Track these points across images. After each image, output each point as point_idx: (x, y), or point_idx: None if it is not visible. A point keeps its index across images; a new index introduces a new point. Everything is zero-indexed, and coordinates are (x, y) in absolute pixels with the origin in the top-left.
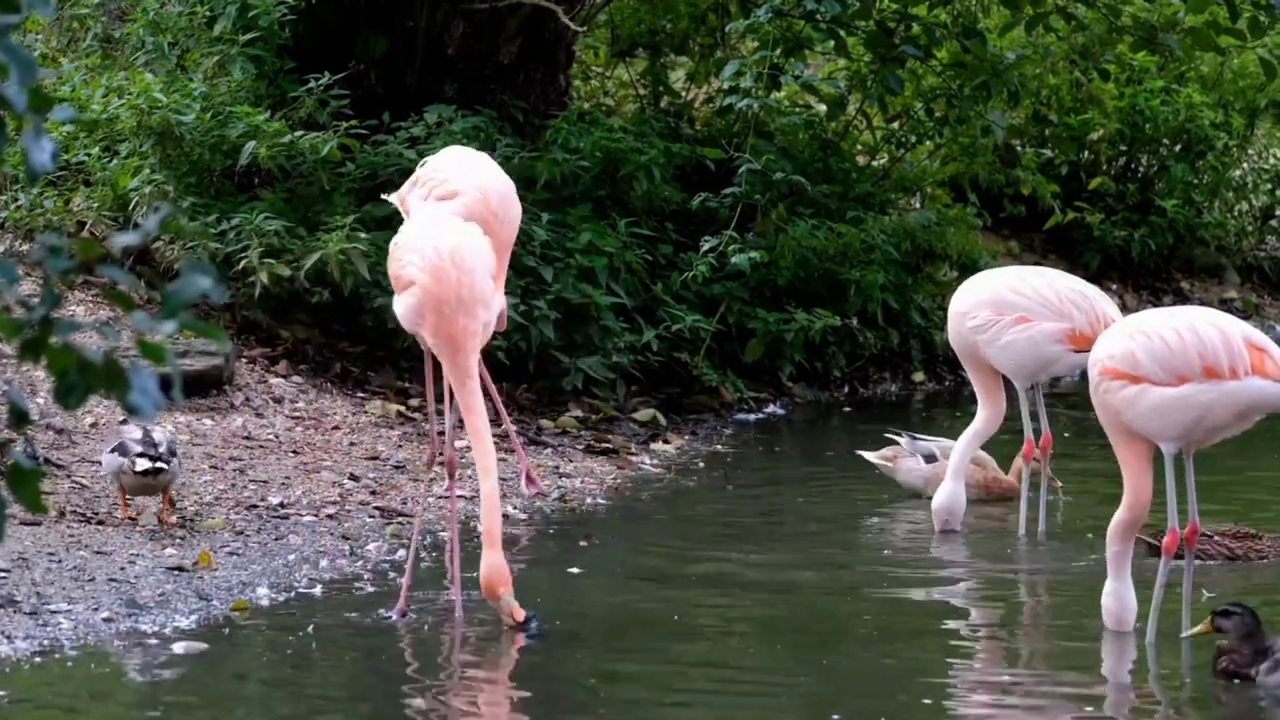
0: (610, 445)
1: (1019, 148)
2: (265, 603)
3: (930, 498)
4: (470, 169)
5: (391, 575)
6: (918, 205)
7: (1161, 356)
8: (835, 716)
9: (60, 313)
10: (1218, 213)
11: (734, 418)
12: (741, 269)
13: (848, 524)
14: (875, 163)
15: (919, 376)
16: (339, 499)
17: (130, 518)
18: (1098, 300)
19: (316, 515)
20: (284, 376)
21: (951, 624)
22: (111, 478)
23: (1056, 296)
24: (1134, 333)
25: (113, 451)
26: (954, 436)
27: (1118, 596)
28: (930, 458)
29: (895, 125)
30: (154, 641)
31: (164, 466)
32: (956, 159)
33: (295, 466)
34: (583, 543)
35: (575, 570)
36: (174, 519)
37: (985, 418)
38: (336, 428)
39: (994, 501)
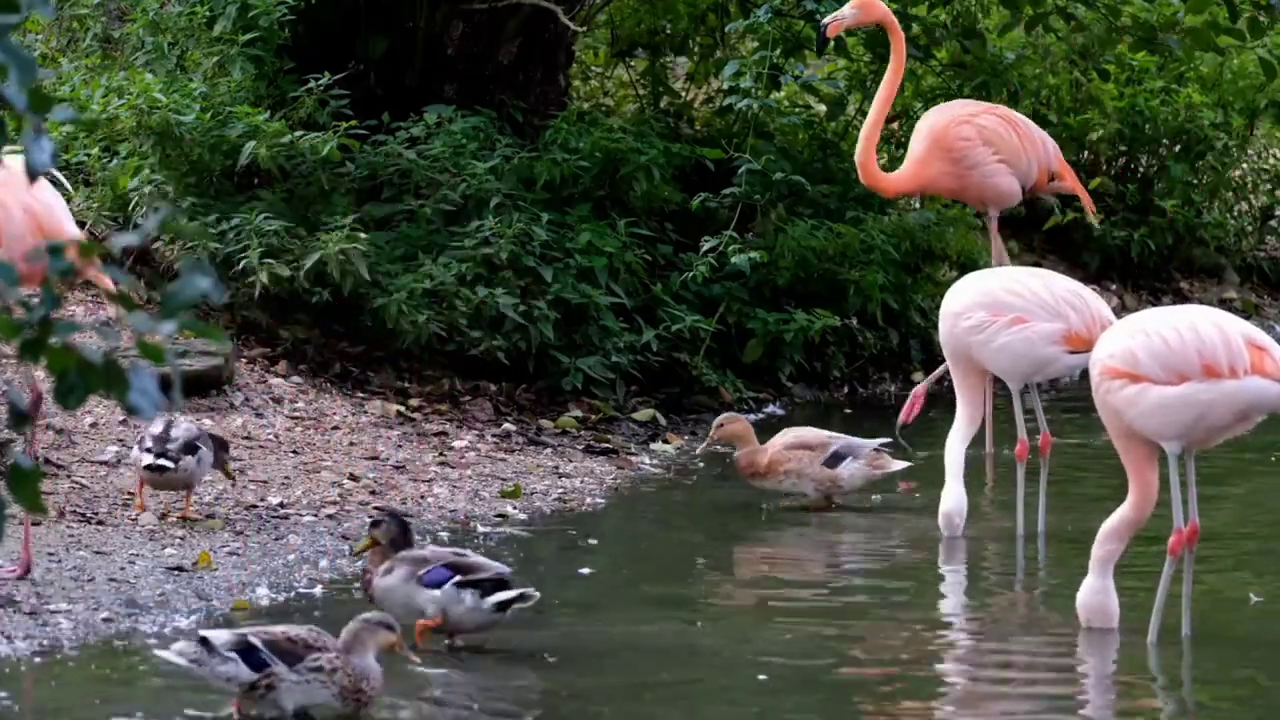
0: (610, 445)
1: None
2: (265, 603)
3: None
4: None
5: None
6: (917, 205)
7: (1161, 355)
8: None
9: (60, 313)
10: (1217, 213)
11: None
12: (741, 269)
13: (847, 524)
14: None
15: (918, 376)
16: (339, 499)
17: (142, 508)
18: (1093, 300)
19: (316, 515)
20: (284, 376)
21: (951, 624)
22: (135, 469)
23: (1052, 297)
24: (1134, 331)
25: (138, 442)
26: (950, 436)
27: (1105, 593)
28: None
29: (895, 125)
30: (154, 641)
31: (169, 465)
32: None
33: (295, 466)
34: (588, 541)
35: (574, 571)
36: (194, 513)
37: (967, 416)
38: (336, 428)
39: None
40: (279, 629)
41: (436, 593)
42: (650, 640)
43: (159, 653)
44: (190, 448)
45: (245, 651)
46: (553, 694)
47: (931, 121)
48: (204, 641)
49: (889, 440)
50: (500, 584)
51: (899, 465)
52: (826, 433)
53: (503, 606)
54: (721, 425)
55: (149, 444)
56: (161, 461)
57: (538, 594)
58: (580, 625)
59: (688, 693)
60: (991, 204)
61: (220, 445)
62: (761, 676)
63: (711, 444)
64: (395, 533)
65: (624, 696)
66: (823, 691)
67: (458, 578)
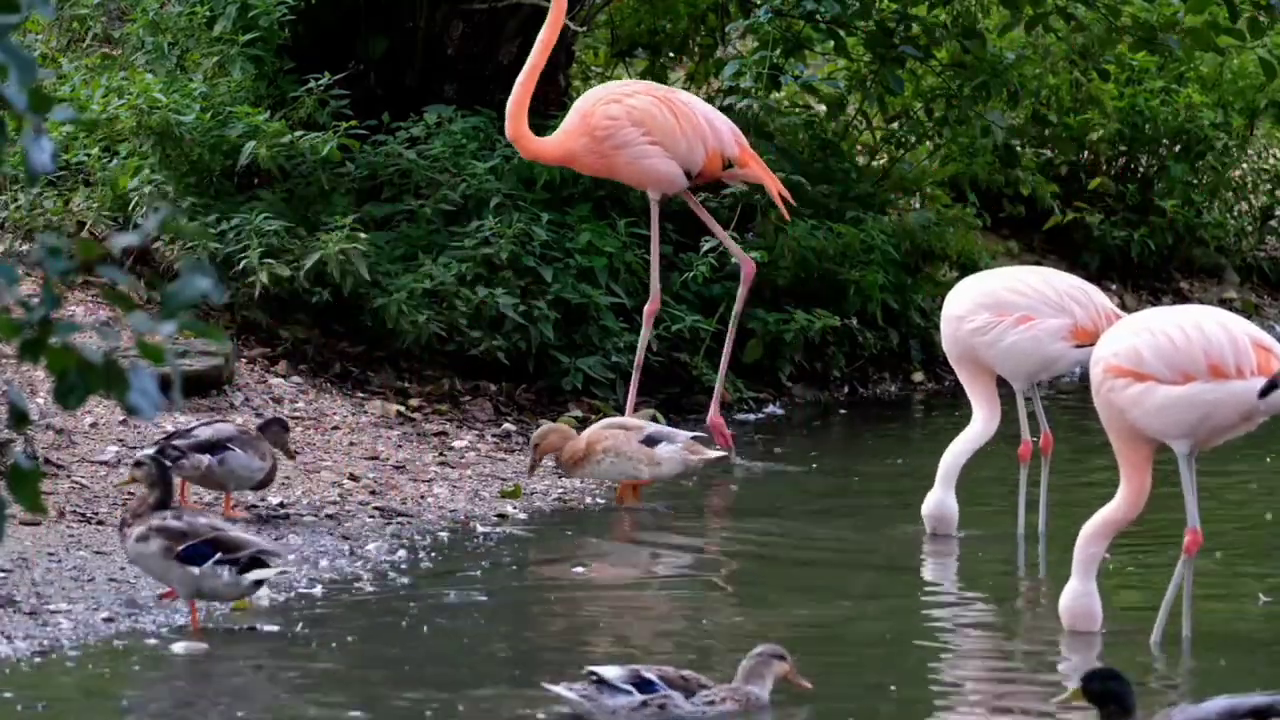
0: None
1: (1018, 148)
2: (265, 603)
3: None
4: None
5: (391, 575)
6: (917, 205)
7: (1167, 354)
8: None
9: (60, 313)
10: (1217, 213)
11: (734, 418)
12: None
13: (848, 525)
14: (875, 163)
15: (918, 377)
16: (339, 499)
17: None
18: (1096, 294)
19: (316, 515)
20: (284, 376)
21: (949, 624)
22: None
23: (1055, 293)
24: (1139, 330)
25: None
26: (953, 438)
27: (1089, 596)
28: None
29: (895, 125)
30: (154, 641)
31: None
32: (956, 159)
33: (295, 466)
34: (586, 541)
35: (575, 570)
36: (239, 512)
37: (983, 421)
38: (336, 428)
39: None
40: (670, 668)
41: (194, 569)
42: (648, 639)
43: (548, 686)
44: (208, 446)
45: (639, 684)
46: (536, 695)
47: (585, 97)
48: (596, 677)
49: (704, 434)
50: (257, 561)
51: (715, 453)
52: (642, 420)
53: (259, 582)
54: (538, 445)
55: (158, 445)
56: (140, 460)
57: (292, 569)
58: (574, 624)
59: None
60: (648, 187)
61: (282, 426)
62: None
63: (537, 464)
64: (154, 475)
65: None
66: (819, 689)
67: (218, 555)
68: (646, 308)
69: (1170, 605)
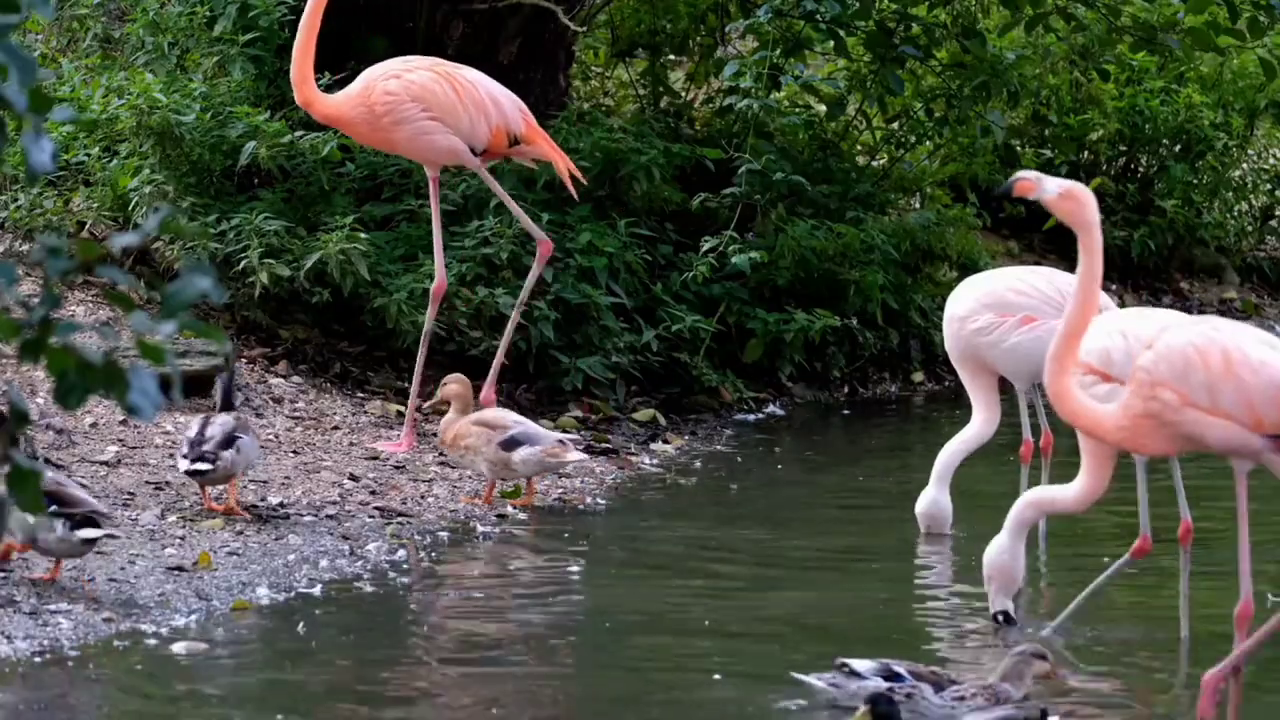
0: (610, 445)
1: (1018, 148)
2: (265, 603)
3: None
4: None
5: (391, 575)
6: (917, 205)
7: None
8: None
9: (60, 313)
10: (1217, 213)
11: (734, 418)
12: (741, 269)
13: (847, 525)
14: (875, 163)
15: (918, 377)
16: (339, 499)
17: (212, 508)
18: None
19: (316, 515)
20: (284, 376)
21: (949, 625)
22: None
23: (1058, 293)
24: (1113, 332)
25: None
26: (952, 438)
27: (1015, 556)
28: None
29: (895, 125)
30: (154, 641)
31: (208, 467)
32: (956, 159)
33: (295, 466)
34: (582, 543)
35: (574, 569)
36: (242, 510)
37: (982, 421)
38: (336, 428)
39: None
40: (920, 664)
41: (28, 518)
42: (648, 639)
43: (796, 676)
44: (228, 440)
45: (888, 676)
46: (537, 693)
47: (371, 69)
48: (846, 667)
49: (572, 437)
50: (91, 520)
51: (577, 457)
52: (514, 417)
53: (89, 541)
54: (446, 384)
55: (185, 449)
56: (199, 466)
57: (120, 534)
58: (574, 624)
59: (675, 695)
60: (431, 162)
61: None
62: (717, 677)
63: (436, 404)
64: None
65: (608, 699)
66: (810, 693)
67: (53, 508)
68: (433, 288)
69: (1187, 599)
